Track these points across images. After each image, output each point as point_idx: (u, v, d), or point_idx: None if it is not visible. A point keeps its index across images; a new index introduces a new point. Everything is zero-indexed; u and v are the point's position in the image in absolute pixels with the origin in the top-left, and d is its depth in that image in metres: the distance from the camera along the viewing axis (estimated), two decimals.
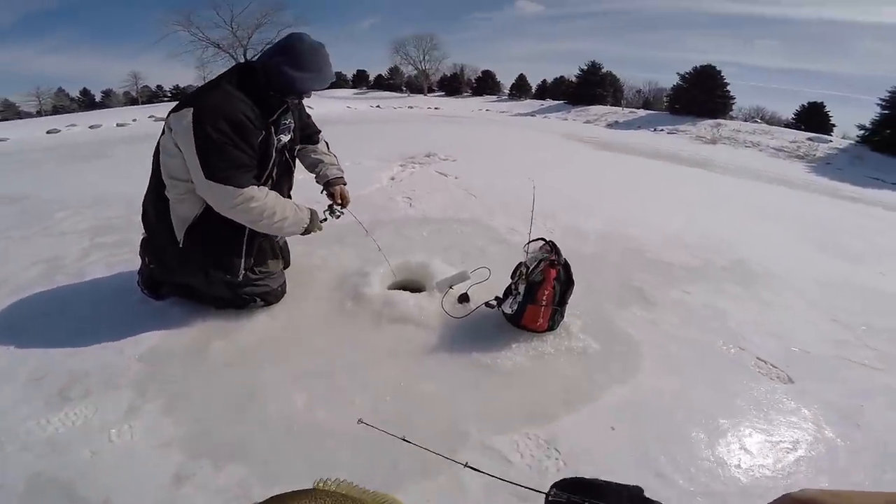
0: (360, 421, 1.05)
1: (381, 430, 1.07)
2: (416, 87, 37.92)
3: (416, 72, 38.76)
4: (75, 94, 41.64)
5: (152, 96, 39.91)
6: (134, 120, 11.78)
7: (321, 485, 0.67)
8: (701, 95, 17.93)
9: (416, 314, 1.83)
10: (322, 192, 2.11)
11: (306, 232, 1.80)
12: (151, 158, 1.69)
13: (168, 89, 39.92)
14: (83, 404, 1.40)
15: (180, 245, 1.67)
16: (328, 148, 2.17)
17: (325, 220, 2.03)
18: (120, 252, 2.46)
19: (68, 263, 2.38)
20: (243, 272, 1.74)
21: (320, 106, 18.19)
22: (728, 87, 18.85)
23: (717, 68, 19.19)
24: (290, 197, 2.00)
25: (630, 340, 1.80)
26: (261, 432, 1.31)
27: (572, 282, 1.73)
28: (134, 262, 1.87)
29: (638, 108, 24.65)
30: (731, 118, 18.48)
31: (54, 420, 1.34)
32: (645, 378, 1.60)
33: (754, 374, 1.70)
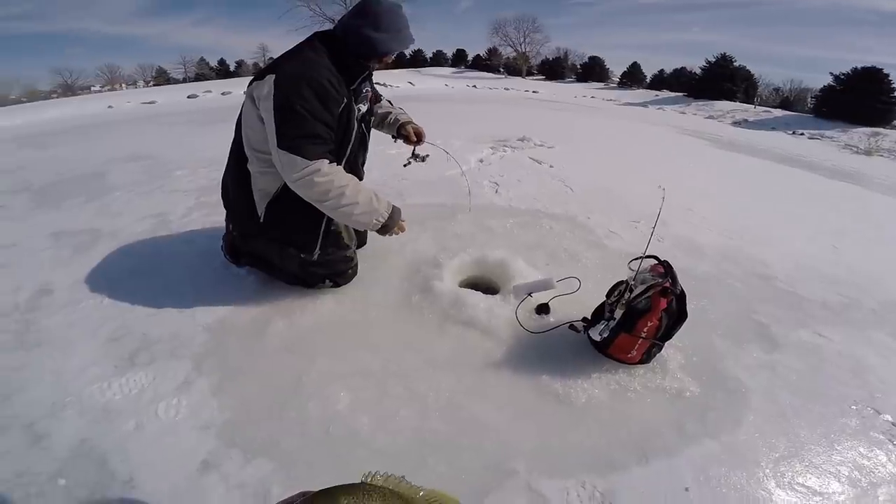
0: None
1: None
2: (513, 69, 36.97)
3: (514, 54, 37.74)
4: (214, 63, 46.94)
5: None
6: None
7: (369, 479, 0.62)
8: (857, 100, 15.26)
9: (484, 320, 1.64)
10: (396, 141, 2.05)
11: (384, 230, 1.62)
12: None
13: None
14: (145, 371, 1.43)
15: (261, 220, 1.64)
16: (392, 104, 2.09)
17: (409, 164, 2.04)
18: (218, 211, 2.55)
19: (173, 220, 2.57)
20: (318, 252, 1.68)
21: (421, 83, 18.52)
22: (895, 93, 15.85)
23: (885, 71, 16.26)
24: (363, 171, 1.93)
25: (738, 387, 1.47)
26: (297, 430, 1.25)
27: (685, 315, 1.42)
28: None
29: (774, 107, 21.62)
30: (895, 128, 15.53)
31: (115, 385, 1.38)
32: (744, 434, 1.30)
33: (882, 443, 1.33)
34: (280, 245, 1.71)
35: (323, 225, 1.65)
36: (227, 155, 1.73)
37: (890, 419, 1.42)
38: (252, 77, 1.54)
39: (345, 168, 1.76)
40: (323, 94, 1.42)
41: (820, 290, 2.20)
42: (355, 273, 1.88)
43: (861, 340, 1.82)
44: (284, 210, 1.61)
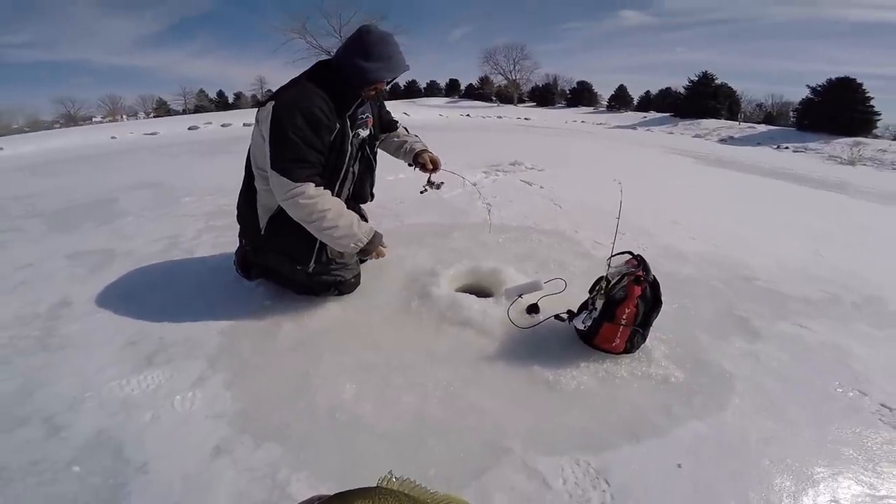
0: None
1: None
2: (505, 97, 37.94)
3: (505, 82, 38.75)
4: (213, 95, 48.04)
5: None
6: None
7: (385, 483, 0.63)
8: (836, 111, 15.78)
9: (479, 319, 1.75)
10: (415, 170, 2.15)
11: (363, 253, 1.75)
12: None
13: None
14: (161, 370, 1.52)
15: (262, 232, 1.78)
16: (408, 132, 2.22)
17: (426, 191, 2.14)
18: (226, 234, 2.72)
19: (184, 241, 2.69)
20: (313, 265, 1.79)
21: (416, 113, 19.02)
22: (871, 102, 16.40)
23: (858, 81, 16.86)
24: (372, 194, 2.07)
25: (721, 373, 1.56)
26: (305, 418, 1.33)
27: (660, 302, 1.53)
28: (235, 244, 2.07)
29: (758, 122, 22.28)
30: (876, 136, 15.99)
31: (133, 382, 1.47)
32: (731, 415, 1.38)
33: (873, 422, 1.40)
34: (280, 258, 1.83)
35: (318, 241, 1.75)
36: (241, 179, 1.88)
37: (878, 400, 1.48)
38: (260, 103, 1.69)
39: (352, 190, 1.91)
40: (314, 122, 1.56)
41: (802, 287, 2.31)
42: (358, 283, 2.00)
43: (843, 331, 1.91)
44: (283, 224, 1.73)
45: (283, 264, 1.86)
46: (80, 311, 1.90)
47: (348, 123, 1.69)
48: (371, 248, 1.74)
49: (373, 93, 1.73)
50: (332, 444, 1.25)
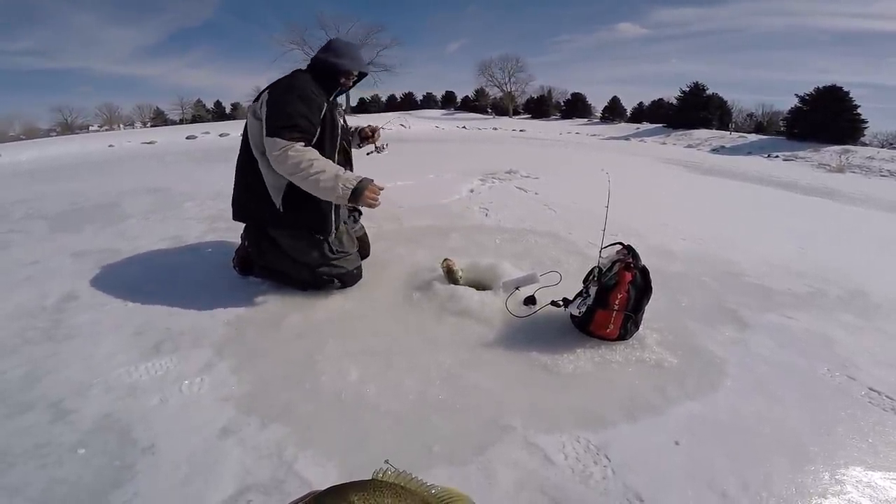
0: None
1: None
2: (501, 109, 38.22)
3: (501, 94, 39.08)
4: (210, 105, 47.94)
5: None
6: None
7: (380, 475, 0.62)
8: (825, 119, 16.08)
9: (478, 309, 1.82)
10: (360, 146, 2.40)
11: (356, 196, 1.69)
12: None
13: None
14: (169, 357, 1.56)
15: (281, 210, 1.87)
16: None
17: (372, 152, 2.37)
18: (229, 236, 2.76)
19: (188, 241, 2.76)
20: (334, 230, 1.94)
21: (412, 125, 19.20)
22: (858, 110, 16.73)
23: (845, 89, 17.17)
24: None
25: (712, 358, 1.63)
26: (311, 399, 1.37)
27: (650, 288, 1.60)
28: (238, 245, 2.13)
29: (749, 132, 22.64)
30: (864, 144, 16.26)
31: (141, 368, 1.50)
32: (724, 396, 1.43)
33: (863, 404, 1.45)
34: (302, 231, 1.92)
35: (332, 206, 1.90)
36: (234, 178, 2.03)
37: (866, 384, 1.54)
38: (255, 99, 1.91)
39: None
40: (306, 99, 1.80)
41: (787, 282, 2.39)
42: (360, 276, 2.07)
43: (828, 320, 1.99)
44: (297, 198, 1.84)
45: (287, 264, 1.94)
46: (87, 304, 1.94)
47: (332, 106, 1.92)
48: (362, 188, 1.70)
49: (345, 84, 2.02)
50: (337, 422, 1.28)
